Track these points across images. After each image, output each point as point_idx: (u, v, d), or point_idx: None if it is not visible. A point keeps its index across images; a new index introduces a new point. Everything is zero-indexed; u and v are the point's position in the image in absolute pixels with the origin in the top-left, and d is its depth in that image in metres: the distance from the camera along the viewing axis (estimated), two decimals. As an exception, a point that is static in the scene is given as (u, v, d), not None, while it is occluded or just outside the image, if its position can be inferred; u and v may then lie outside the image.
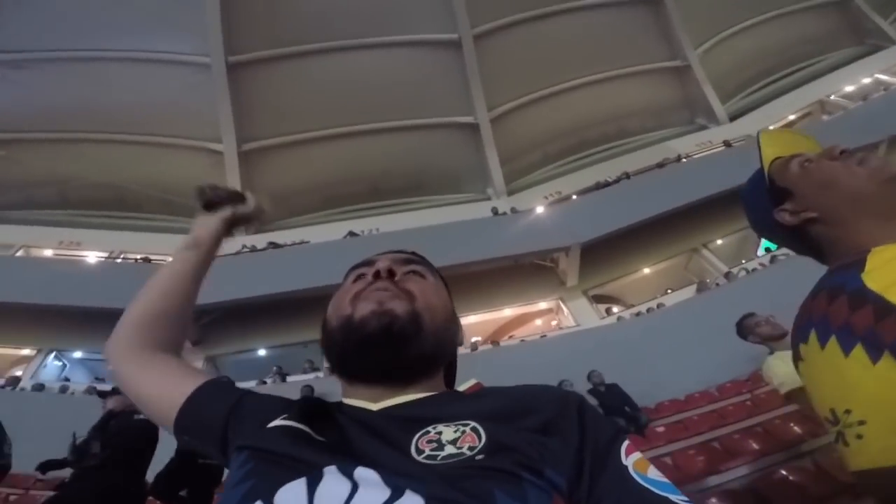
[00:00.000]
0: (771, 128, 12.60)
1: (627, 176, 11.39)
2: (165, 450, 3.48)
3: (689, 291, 8.86)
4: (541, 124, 13.59)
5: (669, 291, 9.34)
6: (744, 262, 9.40)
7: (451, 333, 0.68)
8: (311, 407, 0.58)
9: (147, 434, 3.20)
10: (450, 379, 0.71)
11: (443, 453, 0.49)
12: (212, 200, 0.86)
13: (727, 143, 11.86)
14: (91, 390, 7.04)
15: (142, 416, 3.28)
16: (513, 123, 13.28)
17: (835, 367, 0.61)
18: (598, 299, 9.80)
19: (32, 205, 11.70)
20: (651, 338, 7.18)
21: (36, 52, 10.92)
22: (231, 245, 10.63)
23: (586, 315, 9.23)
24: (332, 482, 0.46)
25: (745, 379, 5.91)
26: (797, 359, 0.68)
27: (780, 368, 2.45)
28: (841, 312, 0.62)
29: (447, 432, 0.51)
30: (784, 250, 8.70)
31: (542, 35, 12.83)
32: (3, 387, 7.23)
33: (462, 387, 0.63)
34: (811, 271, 0.77)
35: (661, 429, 5.12)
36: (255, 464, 0.51)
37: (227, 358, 9.01)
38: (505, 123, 13.15)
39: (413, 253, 0.75)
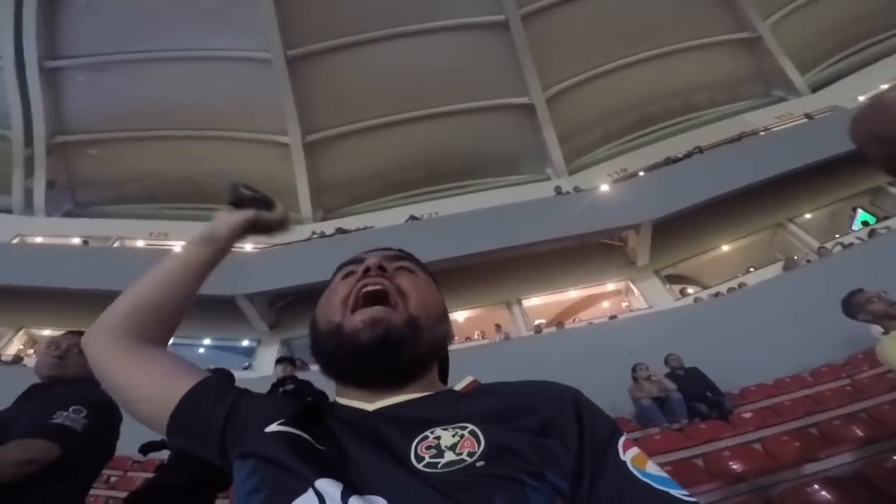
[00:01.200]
0: (861, 98, 11.38)
1: (700, 150, 10.75)
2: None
3: (774, 269, 8.23)
4: (600, 101, 13.15)
5: (752, 270, 8.72)
6: (837, 236, 8.61)
7: (445, 330, 0.66)
8: (306, 413, 0.57)
9: None
10: (443, 375, 0.69)
11: (443, 460, 0.48)
12: (240, 199, 0.83)
13: (808, 116, 10.90)
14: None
15: None
16: (570, 102, 12.94)
17: None
18: (671, 279, 9.34)
19: (123, 200, 12.75)
20: (733, 319, 6.76)
21: (112, 54, 11.76)
22: (301, 232, 11.13)
23: (659, 296, 8.83)
24: None
25: (841, 363, 5.53)
26: None
27: None
28: None
29: (446, 437, 0.50)
30: (885, 224, 7.92)
31: (595, 11, 12.32)
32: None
33: (458, 385, 0.61)
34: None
35: (747, 414, 4.83)
36: (265, 473, 0.50)
37: (301, 341, 9.46)
38: (561, 102, 12.84)
39: (400, 250, 0.73)
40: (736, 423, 4.63)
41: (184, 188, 12.74)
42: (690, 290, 9.05)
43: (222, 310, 8.64)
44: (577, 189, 10.78)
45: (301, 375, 4.92)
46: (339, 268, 0.70)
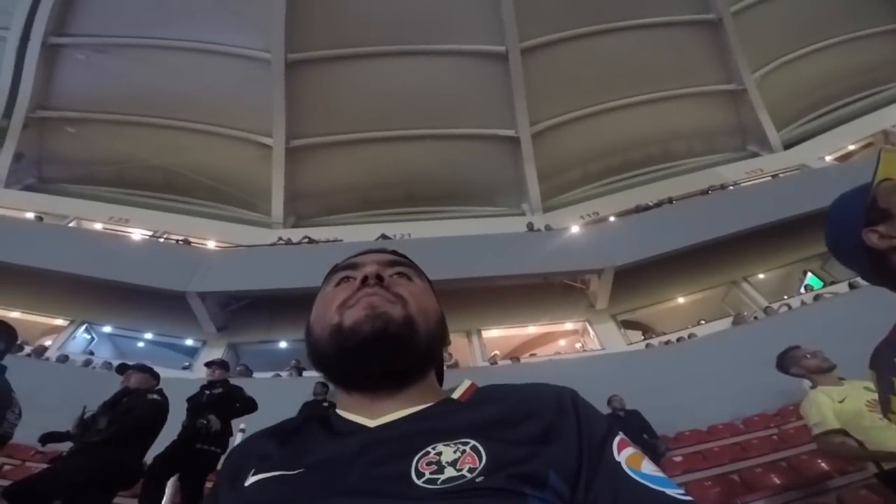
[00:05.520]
0: (829, 158, 11.98)
1: (671, 201, 11.06)
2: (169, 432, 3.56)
3: (723, 324, 8.44)
4: (583, 142, 13.25)
5: (702, 322, 8.93)
6: (785, 297, 8.91)
7: (442, 334, 0.66)
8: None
9: (156, 415, 3.23)
10: (439, 377, 0.69)
11: (443, 476, 0.47)
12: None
13: (774, 175, 11.39)
14: (109, 365, 7.17)
15: (155, 397, 3.28)
16: (554, 139, 13.06)
17: None
18: (626, 325, 9.48)
19: (91, 181, 12.35)
20: (679, 367, 6.90)
21: (117, 37, 11.69)
22: (268, 236, 10.98)
23: (613, 339, 8.94)
24: None
25: (773, 413, 5.69)
26: (889, 392, 0.66)
27: (826, 407, 2.32)
28: None
29: (447, 453, 0.50)
30: (830, 289, 8.23)
31: (593, 52, 12.54)
32: (28, 355, 7.31)
33: (456, 392, 0.61)
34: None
35: (678, 458, 4.94)
36: None
37: (249, 347, 9.19)
38: (546, 139, 12.97)
39: (395, 252, 0.72)
40: (666, 466, 4.68)
41: (156, 177, 12.47)
42: (643, 337, 9.20)
43: (170, 305, 8.37)
44: (548, 227, 10.94)
45: (244, 383, 4.85)
46: (333, 271, 0.68)
